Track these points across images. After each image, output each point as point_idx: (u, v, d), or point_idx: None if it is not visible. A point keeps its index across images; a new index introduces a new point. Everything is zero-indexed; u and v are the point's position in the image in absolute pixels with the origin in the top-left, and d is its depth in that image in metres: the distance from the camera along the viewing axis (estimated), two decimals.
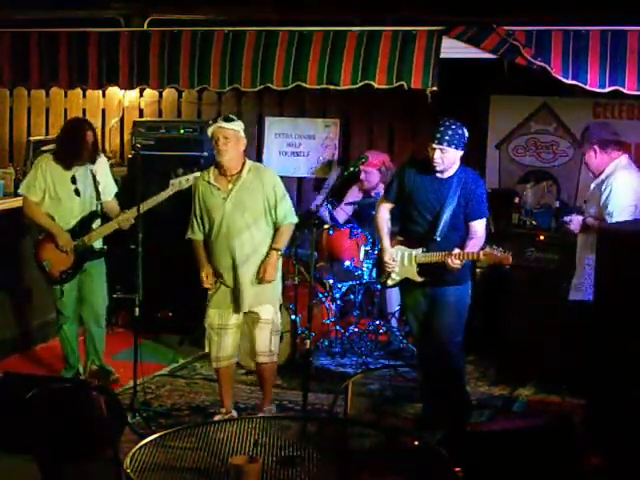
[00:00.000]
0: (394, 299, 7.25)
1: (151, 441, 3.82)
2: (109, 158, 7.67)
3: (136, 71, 7.25)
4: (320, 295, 7.11)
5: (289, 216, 5.74)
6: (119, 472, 3.76)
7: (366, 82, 6.70)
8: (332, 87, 6.82)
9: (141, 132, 7.93)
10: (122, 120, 8.71)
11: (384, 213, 5.83)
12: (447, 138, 5.40)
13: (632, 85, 6.14)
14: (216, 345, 5.76)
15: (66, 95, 8.70)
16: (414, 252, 5.61)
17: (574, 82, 6.28)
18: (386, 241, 5.77)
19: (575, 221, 6.11)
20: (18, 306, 7.24)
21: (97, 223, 6.46)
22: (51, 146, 6.72)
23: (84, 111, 8.67)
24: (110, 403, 4.19)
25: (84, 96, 8.68)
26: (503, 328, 6.81)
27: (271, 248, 5.68)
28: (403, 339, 7.25)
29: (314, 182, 8.43)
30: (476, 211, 5.57)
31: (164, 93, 8.45)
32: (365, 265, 7.18)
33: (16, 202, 6.86)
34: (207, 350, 5.83)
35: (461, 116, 5.68)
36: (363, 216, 7.45)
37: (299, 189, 8.46)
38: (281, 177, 5.90)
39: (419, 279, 5.62)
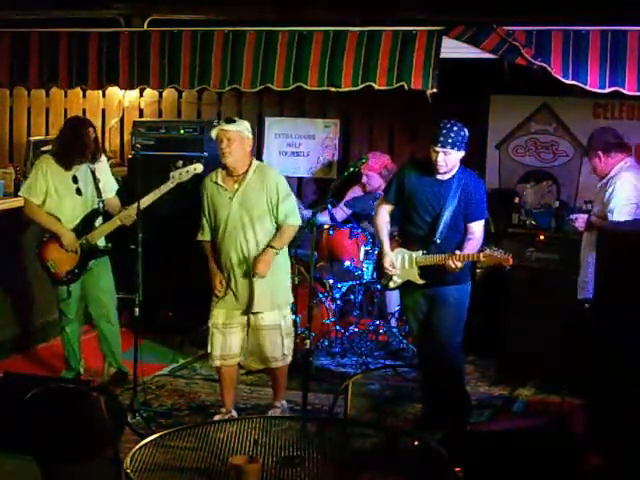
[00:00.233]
0: (394, 299, 7.25)
1: (151, 441, 3.83)
2: (109, 158, 7.67)
3: (136, 71, 7.23)
4: (320, 295, 7.11)
5: (290, 217, 5.72)
6: (119, 472, 3.76)
7: (367, 84, 6.70)
8: (333, 89, 6.82)
9: (141, 132, 7.92)
10: (122, 120, 8.72)
11: (384, 215, 5.81)
12: (450, 141, 5.39)
13: (632, 86, 6.12)
14: (221, 344, 5.75)
15: (66, 95, 8.70)
16: (414, 254, 5.60)
17: (574, 82, 6.26)
18: (386, 245, 5.74)
19: (580, 219, 6.16)
20: (18, 306, 7.24)
21: (99, 221, 6.46)
22: (50, 146, 6.71)
23: (84, 111, 8.67)
24: (110, 403, 4.19)
25: (84, 96, 8.69)
26: (503, 328, 6.81)
27: (268, 245, 5.67)
28: (403, 339, 7.25)
29: (314, 182, 8.44)
30: (475, 212, 5.56)
31: (164, 93, 8.46)
32: (365, 265, 7.17)
33: (16, 202, 6.85)
34: (210, 350, 5.80)
35: (461, 116, 5.68)
36: (363, 216, 7.46)
37: (299, 189, 8.46)
38: None
39: (421, 282, 5.61)
